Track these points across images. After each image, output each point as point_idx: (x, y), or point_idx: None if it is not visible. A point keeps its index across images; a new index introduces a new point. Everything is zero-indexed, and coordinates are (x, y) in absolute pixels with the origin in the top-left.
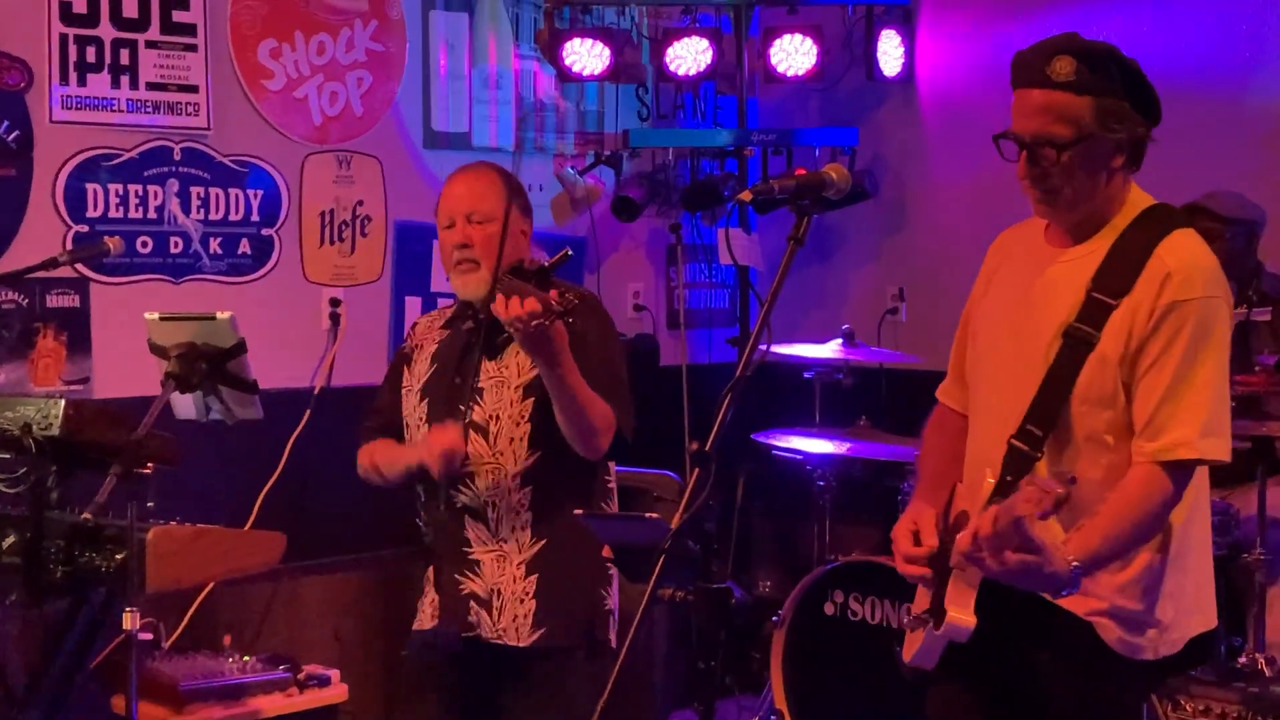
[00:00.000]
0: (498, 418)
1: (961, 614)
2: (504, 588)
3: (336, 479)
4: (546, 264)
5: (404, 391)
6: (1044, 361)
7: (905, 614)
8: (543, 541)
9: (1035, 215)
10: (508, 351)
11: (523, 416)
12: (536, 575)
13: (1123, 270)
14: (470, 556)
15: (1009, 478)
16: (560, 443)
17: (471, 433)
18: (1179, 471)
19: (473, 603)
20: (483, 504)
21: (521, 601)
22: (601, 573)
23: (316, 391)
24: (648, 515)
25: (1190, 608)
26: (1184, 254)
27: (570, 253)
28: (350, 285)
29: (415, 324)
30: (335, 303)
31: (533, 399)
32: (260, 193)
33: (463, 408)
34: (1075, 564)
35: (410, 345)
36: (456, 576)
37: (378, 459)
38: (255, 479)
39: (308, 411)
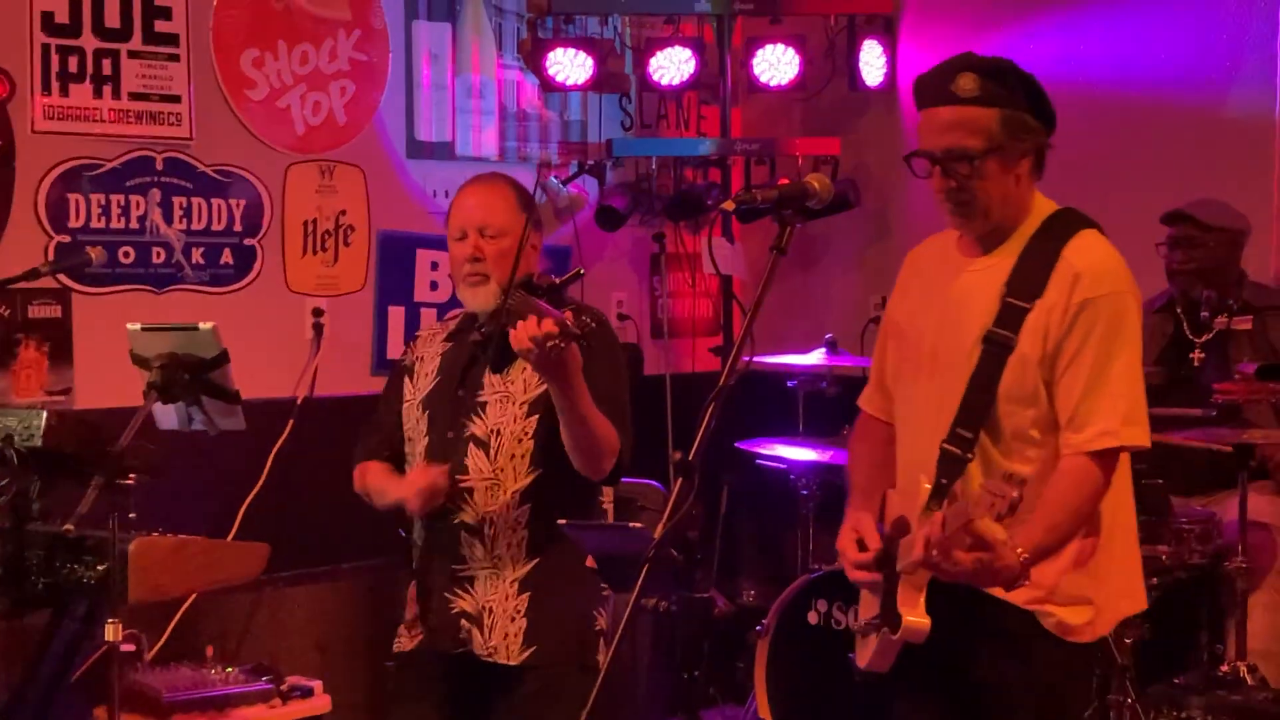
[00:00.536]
0: (499, 433)
1: (916, 616)
2: (495, 605)
3: (319, 490)
4: (558, 281)
5: (405, 404)
6: (967, 367)
7: (853, 619)
8: (537, 560)
9: (951, 227)
10: (514, 366)
11: (525, 434)
12: (529, 593)
13: (1033, 274)
14: (462, 574)
15: (944, 480)
16: (561, 462)
17: (472, 447)
18: (1106, 460)
19: (463, 620)
20: (480, 520)
21: (513, 619)
22: (595, 593)
23: (299, 402)
24: (631, 524)
25: (1120, 589)
26: (1090, 254)
27: (583, 271)
28: (333, 295)
29: (416, 336)
30: (318, 313)
31: (537, 416)
32: (243, 202)
33: (450, 434)
34: (1025, 556)
35: (411, 357)
36: (446, 595)
37: (369, 485)
38: (238, 490)
39: (290, 422)
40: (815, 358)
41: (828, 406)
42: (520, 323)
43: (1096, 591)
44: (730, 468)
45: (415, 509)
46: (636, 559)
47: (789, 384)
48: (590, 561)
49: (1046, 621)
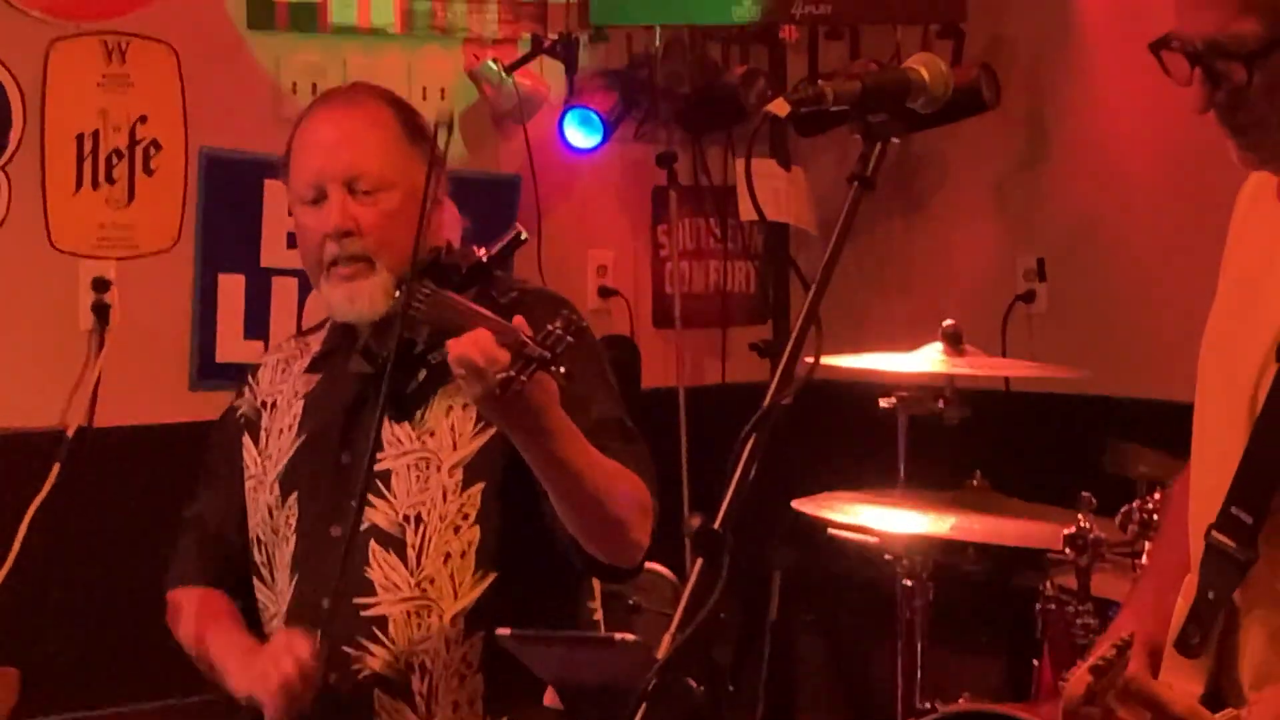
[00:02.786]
0: (420, 520)
1: None
2: None
3: (106, 577)
4: (485, 256)
5: (249, 484)
6: (1251, 401)
7: None
8: None
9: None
10: (432, 405)
11: (464, 517)
12: None
13: None
14: None
15: (1210, 594)
16: (525, 554)
17: (376, 548)
18: None
19: None
20: (403, 668)
21: None
22: None
23: (71, 435)
24: (618, 636)
25: None
26: None
27: (524, 235)
28: (127, 257)
29: (258, 367)
30: (102, 285)
31: (480, 485)
32: None
33: (335, 530)
34: None
35: (252, 402)
36: None
37: (193, 639)
38: None
39: (56, 467)
40: (926, 360)
41: (947, 440)
42: (453, 343)
43: None
44: (784, 543)
45: (272, 713)
46: (627, 692)
47: (883, 403)
48: (550, 696)
49: None
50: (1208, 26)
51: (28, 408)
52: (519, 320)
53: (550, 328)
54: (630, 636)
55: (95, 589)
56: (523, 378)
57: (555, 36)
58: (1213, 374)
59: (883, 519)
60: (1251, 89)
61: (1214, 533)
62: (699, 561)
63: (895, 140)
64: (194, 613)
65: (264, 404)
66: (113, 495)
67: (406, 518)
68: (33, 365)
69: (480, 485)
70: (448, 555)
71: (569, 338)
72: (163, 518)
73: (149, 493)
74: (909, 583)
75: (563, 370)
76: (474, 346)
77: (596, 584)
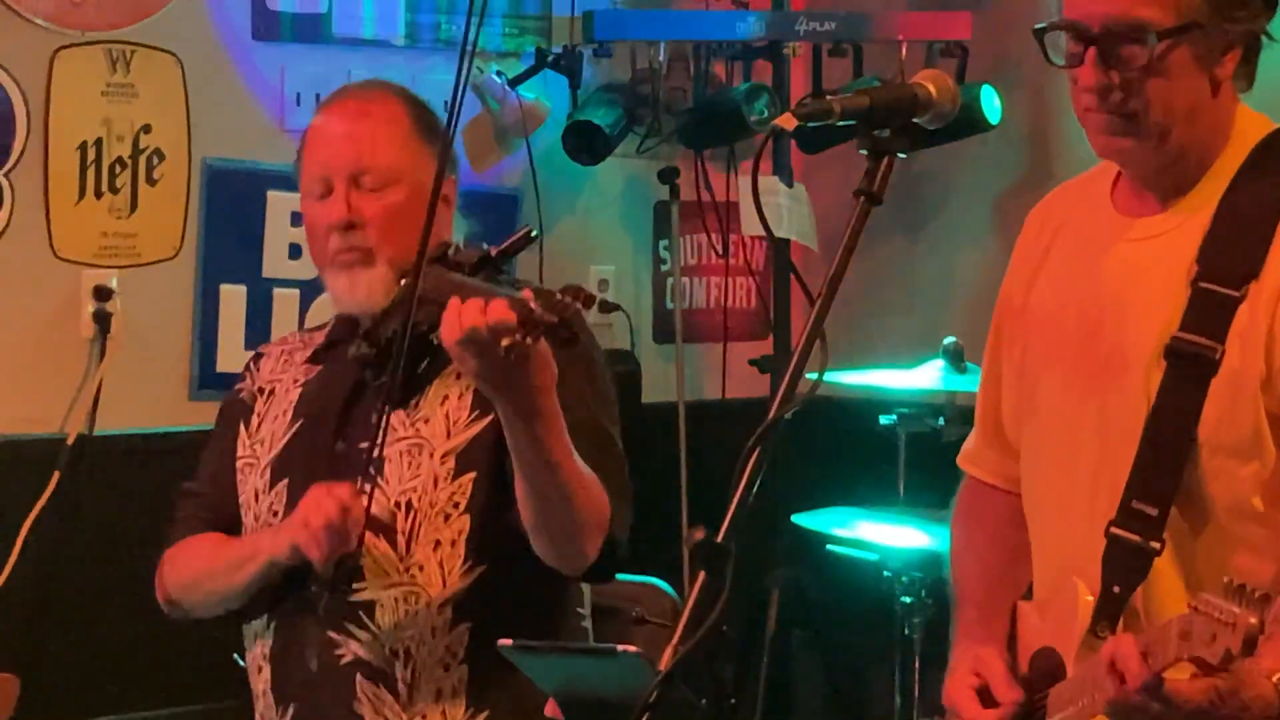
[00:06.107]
0: (411, 507)
1: None
2: None
3: (106, 589)
4: (494, 251)
5: (240, 465)
6: (1142, 398)
7: None
8: (484, 714)
9: (1101, 156)
10: (428, 394)
11: (454, 505)
12: None
13: (1243, 241)
14: None
15: (1115, 588)
16: (516, 548)
17: (365, 533)
18: None
19: None
20: (388, 654)
21: None
22: None
23: (71, 442)
24: (620, 648)
25: None
26: None
27: (536, 233)
28: (129, 265)
29: (259, 355)
30: (104, 294)
31: (472, 475)
32: None
33: (362, 485)
34: None
35: (250, 388)
36: None
37: (198, 564)
38: None
39: (56, 475)
40: (927, 377)
41: (947, 457)
42: (456, 303)
43: None
44: (783, 558)
45: (321, 556)
46: (627, 704)
47: (883, 420)
48: (551, 708)
49: None
50: (1112, 9)
51: (28, 415)
52: (526, 293)
53: (559, 296)
54: (632, 648)
55: (94, 596)
56: (526, 342)
57: (559, 50)
58: (1073, 388)
59: (882, 536)
60: (1145, 73)
61: (1116, 529)
62: (701, 576)
63: (901, 155)
64: (196, 540)
65: (260, 390)
66: (112, 503)
67: (398, 504)
68: (34, 373)
69: (471, 475)
70: (437, 543)
71: (576, 303)
72: (162, 526)
73: (148, 500)
74: (907, 599)
75: (570, 338)
76: (482, 310)
77: (587, 592)
